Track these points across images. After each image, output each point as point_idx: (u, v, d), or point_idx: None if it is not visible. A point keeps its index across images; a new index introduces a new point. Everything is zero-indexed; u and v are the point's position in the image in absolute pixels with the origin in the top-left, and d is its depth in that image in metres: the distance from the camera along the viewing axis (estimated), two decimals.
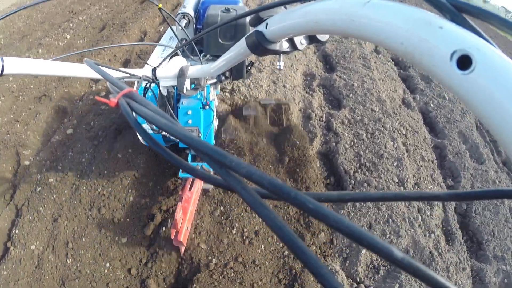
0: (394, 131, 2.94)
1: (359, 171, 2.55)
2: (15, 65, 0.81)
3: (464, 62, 0.29)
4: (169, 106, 1.39)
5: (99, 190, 2.18)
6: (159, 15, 4.56)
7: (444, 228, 2.31)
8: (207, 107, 1.63)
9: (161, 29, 4.25)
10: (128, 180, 2.25)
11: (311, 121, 2.95)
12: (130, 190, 2.21)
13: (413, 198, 0.36)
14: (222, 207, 2.14)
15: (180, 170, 1.74)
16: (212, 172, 1.34)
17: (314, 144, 2.75)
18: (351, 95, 3.36)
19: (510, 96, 0.27)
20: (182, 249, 1.86)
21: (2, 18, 0.86)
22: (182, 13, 1.71)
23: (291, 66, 3.67)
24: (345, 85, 3.52)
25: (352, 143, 2.78)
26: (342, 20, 0.42)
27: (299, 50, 0.73)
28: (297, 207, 0.25)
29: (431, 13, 0.33)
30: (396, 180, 2.49)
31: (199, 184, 1.98)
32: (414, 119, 3.23)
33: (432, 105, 3.56)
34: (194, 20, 1.75)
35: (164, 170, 2.35)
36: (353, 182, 2.45)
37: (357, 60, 4.01)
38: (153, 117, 0.36)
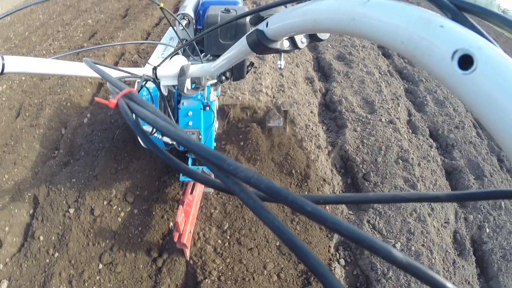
0: None
1: None
2: (15, 64, 0.81)
3: (466, 62, 0.29)
4: (168, 107, 1.39)
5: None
6: (86, 88, 3.17)
7: None
8: (207, 108, 1.62)
9: (86, 119, 2.81)
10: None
11: None
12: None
13: (412, 200, 0.36)
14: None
15: (181, 174, 1.74)
16: (212, 176, 1.34)
17: None
18: (391, 274, 1.95)
19: (511, 97, 0.27)
20: (187, 252, 1.85)
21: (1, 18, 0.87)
22: (182, 14, 1.71)
23: None
24: None
25: None
26: (342, 19, 0.42)
27: (299, 48, 0.73)
28: (296, 210, 0.25)
29: (432, 12, 0.33)
30: None
31: (200, 188, 1.98)
32: (469, 283, 2.14)
33: (487, 229, 2.44)
34: (194, 21, 1.75)
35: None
36: None
37: (395, 169, 2.60)
38: (152, 119, 0.35)
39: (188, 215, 1.77)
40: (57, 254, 1.89)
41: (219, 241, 1.95)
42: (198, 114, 1.62)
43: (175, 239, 1.70)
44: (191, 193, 1.87)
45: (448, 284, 0.23)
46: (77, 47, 4.10)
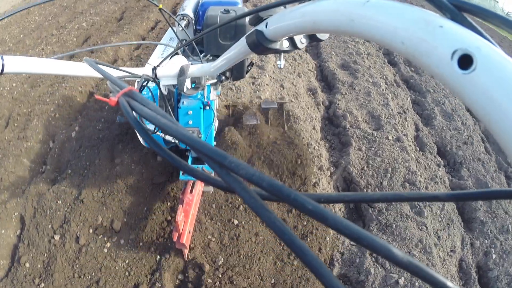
0: None
1: None
2: (15, 64, 0.81)
3: (465, 62, 0.29)
4: (169, 106, 1.39)
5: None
6: (76, 97, 3.07)
7: None
8: (207, 107, 1.63)
9: (75, 132, 2.72)
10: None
11: None
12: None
13: (413, 199, 0.36)
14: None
15: (181, 173, 1.74)
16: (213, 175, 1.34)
17: None
18: None
19: (511, 96, 0.27)
20: (186, 252, 1.85)
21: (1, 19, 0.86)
22: (181, 14, 1.71)
23: None
24: None
25: None
26: (341, 20, 0.42)
27: (299, 49, 0.73)
28: (297, 208, 0.25)
29: (431, 12, 0.33)
30: None
31: (200, 187, 1.98)
32: None
33: (493, 255, 2.35)
34: (193, 21, 1.76)
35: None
36: None
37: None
38: (153, 117, 0.35)
39: (188, 215, 1.77)
40: (42, 284, 1.84)
41: (209, 280, 1.83)
42: (198, 113, 1.62)
43: (174, 239, 1.70)
44: (191, 192, 1.87)
45: (449, 283, 0.23)
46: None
